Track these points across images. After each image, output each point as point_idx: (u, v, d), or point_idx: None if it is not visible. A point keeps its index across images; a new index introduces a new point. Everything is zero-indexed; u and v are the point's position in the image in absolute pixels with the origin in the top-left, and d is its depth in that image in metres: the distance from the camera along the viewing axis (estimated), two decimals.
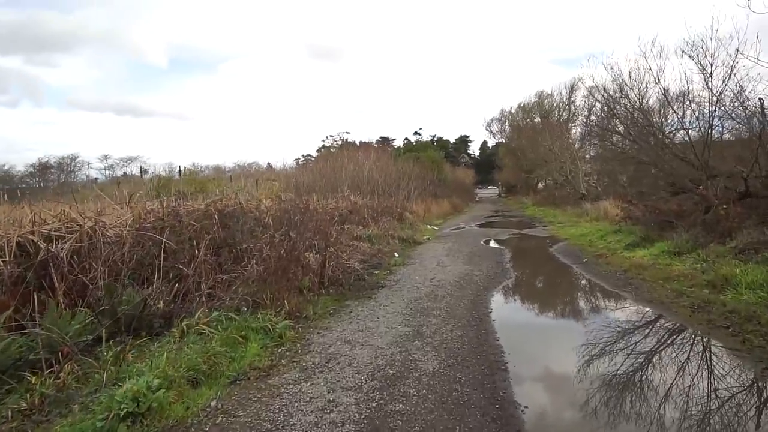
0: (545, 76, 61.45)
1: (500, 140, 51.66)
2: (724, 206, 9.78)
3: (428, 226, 17.80)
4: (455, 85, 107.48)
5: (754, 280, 5.69)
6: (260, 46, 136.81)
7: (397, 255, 10.35)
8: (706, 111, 10.73)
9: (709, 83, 10.25)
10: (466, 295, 6.54)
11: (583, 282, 7.53)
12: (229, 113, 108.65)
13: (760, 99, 8.97)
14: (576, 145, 26.65)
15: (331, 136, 32.18)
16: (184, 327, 4.59)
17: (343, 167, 21.38)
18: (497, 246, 12.09)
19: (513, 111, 46.67)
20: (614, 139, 13.49)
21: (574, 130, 34.45)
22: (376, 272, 8.33)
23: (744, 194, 9.69)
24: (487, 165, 64.11)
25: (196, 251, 6.19)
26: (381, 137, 42.28)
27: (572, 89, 39.11)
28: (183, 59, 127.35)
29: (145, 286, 5.53)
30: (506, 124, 48.63)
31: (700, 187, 10.87)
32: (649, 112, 11.65)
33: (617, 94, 11.90)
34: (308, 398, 3.37)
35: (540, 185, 41.01)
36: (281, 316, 5.25)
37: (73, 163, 45.78)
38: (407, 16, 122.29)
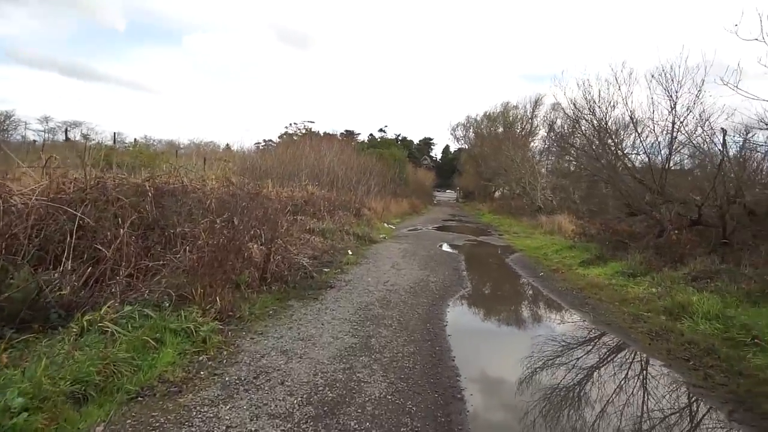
0: (512, 89, 62.51)
1: (463, 145, 52.24)
2: (676, 231, 9.97)
3: (386, 225, 17.34)
4: (423, 87, 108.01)
5: (710, 310, 5.59)
6: (228, 22, 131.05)
7: (350, 253, 9.76)
8: (668, 136, 10.91)
9: (674, 109, 10.41)
10: (421, 304, 6.07)
11: (541, 298, 7.28)
12: (190, 89, 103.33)
13: (723, 129, 9.13)
14: (536, 159, 27.18)
15: (294, 123, 30.96)
16: (85, 323, 3.78)
17: (304, 156, 20.46)
18: (454, 252, 11.78)
19: (478, 118, 47.21)
20: (575, 154, 13.47)
21: (534, 144, 35.38)
22: (326, 270, 7.70)
23: (696, 221, 9.91)
24: (447, 169, 64.82)
25: (121, 231, 5.32)
26: (346, 130, 41.43)
27: (536, 104, 40.02)
28: (142, 25, 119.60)
29: (52, 268, 4.64)
30: (470, 130, 49.17)
31: (653, 211, 11.08)
32: (612, 132, 11.73)
33: (585, 111, 11.89)
34: (224, 427, 2.72)
35: (497, 194, 41.80)
36: (210, 315, 4.54)
37: (7, 122, 41.43)
38: (381, 13, 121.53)
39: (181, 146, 24.09)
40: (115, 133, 25.01)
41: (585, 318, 6.09)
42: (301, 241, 8.85)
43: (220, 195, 7.93)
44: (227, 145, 25.21)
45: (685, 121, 10.11)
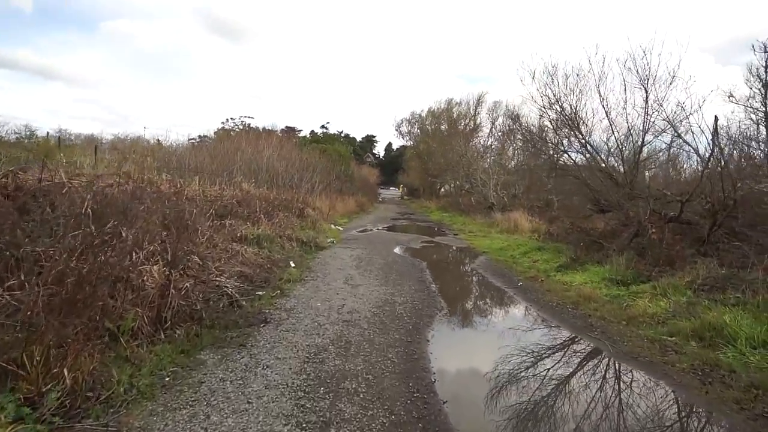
0: (450, 88, 63.09)
1: (408, 142, 51.27)
2: (653, 230, 9.12)
3: (333, 226, 15.52)
4: (364, 84, 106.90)
5: (756, 336, 4.45)
6: (151, 8, 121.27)
7: (293, 265, 7.89)
8: (639, 126, 10.10)
9: (649, 96, 9.58)
10: (393, 344, 4.41)
11: (536, 320, 5.85)
12: (112, 80, 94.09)
13: (715, 117, 8.29)
14: (487, 155, 26.57)
15: (231, 119, 28.04)
16: None
17: (239, 150, 18.07)
18: (414, 258, 10.25)
19: (423, 115, 46.41)
20: (542, 147, 12.48)
21: (478, 140, 35.02)
22: (260, 293, 5.81)
23: (674, 219, 9.12)
24: (390, 166, 64.03)
25: None
26: (287, 126, 38.58)
27: (479, 101, 39.95)
28: (52, 6, 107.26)
29: None
30: (416, 126, 48.27)
31: (625, 208, 10.26)
32: (581, 122, 10.78)
33: (554, 99, 10.83)
34: None
35: (442, 190, 41.23)
36: (48, 404, 2.59)
37: None
38: (318, 7, 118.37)
39: (103, 141, 20.64)
40: (26, 125, 20.86)
41: (602, 348, 4.74)
42: (228, 254, 6.86)
43: (113, 195, 5.78)
44: (157, 140, 22.01)
45: (662, 109, 9.29)
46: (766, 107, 8.53)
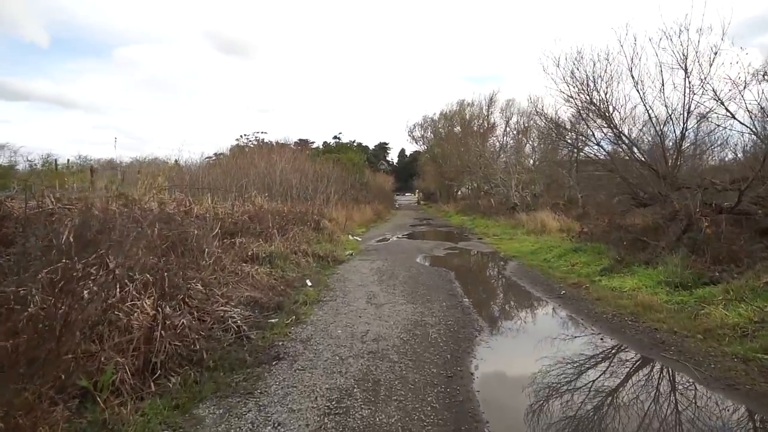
0: (456, 90, 62.06)
1: (422, 146, 50.49)
2: (707, 223, 8.16)
3: (351, 237, 14.86)
4: (373, 93, 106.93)
5: None
6: (161, 33, 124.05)
7: (309, 284, 7.21)
8: (679, 110, 9.16)
9: (689, 75, 8.65)
10: (431, 381, 3.64)
11: (595, 341, 4.96)
12: (129, 104, 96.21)
13: None
14: (504, 154, 25.63)
15: (245, 135, 27.73)
16: None
17: (253, 165, 17.63)
18: (439, 268, 9.48)
19: (435, 118, 45.60)
20: (570, 141, 11.58)
21: (493, 140, 34.01)
22: (272, 321, 5.12)
23: (730, 210, 8.13)
24: (404, 172, 63.47)
25: None
26: (300, 139, 38.10)
27: (491, 101, 39.01)
28: (67, 38, 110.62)
29: None
30: (428, 131, 47.49)
31: (668, 200, 9.29)
32: (614, 110, 9.87)
33: (583, 86, 9.96)
34: None
35: (459, 193, 40.24)
36: None
37: None
38: (321, 19, 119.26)
39: (123, 164, 20.57)
40: (46, 154, 20.88)
41: (686, 373, 3.89)
42: (237, 277, 6.22)
43: (102, 219, 5.21)
44: (176, 161, 21.84)
45: (707, 88, 8.34)
46: None
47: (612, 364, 4.27)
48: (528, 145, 27.84)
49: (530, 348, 4.71)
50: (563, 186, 21.57)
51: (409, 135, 49.12)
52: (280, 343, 4.47)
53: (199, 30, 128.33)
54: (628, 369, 4.14)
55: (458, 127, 40.92)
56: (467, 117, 41.47)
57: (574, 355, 4.42)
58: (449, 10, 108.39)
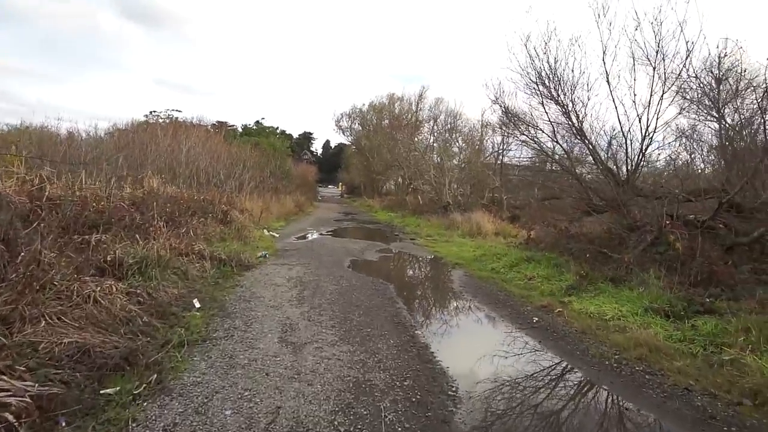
0: (383, 87, 61.14)
1: (348, 137, 48.38)
2: (673, 237, 7.34)
3: (266, 232, 12.50)
4: (300, 82, 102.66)
5: None
6: None
7: (197, 306, 4.99)
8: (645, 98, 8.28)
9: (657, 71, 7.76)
10: None
11: (618, 406, 3.50)
12: (20, 66, 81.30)
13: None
14: (436, 153, 24.60)
15: (154, 112, 23.50)
16: None
17: (154, 142, 14.41)
18: (374, 277, 7.69)
19: (364, 109, 43.76)
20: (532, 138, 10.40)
21: (422, 136, 33.10)
22: (107, 392, 2.91)
23: (701, 223, 7.35)
24: (329, 164, 61.32)
25: None
26: (217, 121, 33.66)
27: (420, 97, 38.29)
28: None
29: None
30: (356, 121, 45.48)
31: (628, 209, 8.42)
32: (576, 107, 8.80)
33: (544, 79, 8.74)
34: None
35: (384, 188, 38.92)
36: None
37: None
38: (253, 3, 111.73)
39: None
40: None
41: None
42: (67, 304, 3.82)
43: None
44: (68, 132, 17.36)
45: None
46: None
47: None
48: (456, 145, 27.26)
49: (535, 425, 3.06)
50: (486, 187, 21.06)
51: (336, 125, 46.67)
52: None
53: None
54: None
55: (387, 121, 39.62)
56: (396, 111, 40.34)
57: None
58: (381, 6, 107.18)
